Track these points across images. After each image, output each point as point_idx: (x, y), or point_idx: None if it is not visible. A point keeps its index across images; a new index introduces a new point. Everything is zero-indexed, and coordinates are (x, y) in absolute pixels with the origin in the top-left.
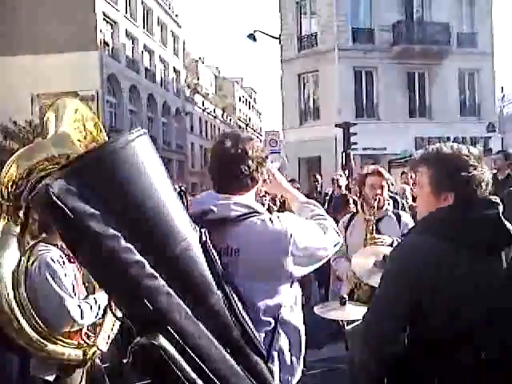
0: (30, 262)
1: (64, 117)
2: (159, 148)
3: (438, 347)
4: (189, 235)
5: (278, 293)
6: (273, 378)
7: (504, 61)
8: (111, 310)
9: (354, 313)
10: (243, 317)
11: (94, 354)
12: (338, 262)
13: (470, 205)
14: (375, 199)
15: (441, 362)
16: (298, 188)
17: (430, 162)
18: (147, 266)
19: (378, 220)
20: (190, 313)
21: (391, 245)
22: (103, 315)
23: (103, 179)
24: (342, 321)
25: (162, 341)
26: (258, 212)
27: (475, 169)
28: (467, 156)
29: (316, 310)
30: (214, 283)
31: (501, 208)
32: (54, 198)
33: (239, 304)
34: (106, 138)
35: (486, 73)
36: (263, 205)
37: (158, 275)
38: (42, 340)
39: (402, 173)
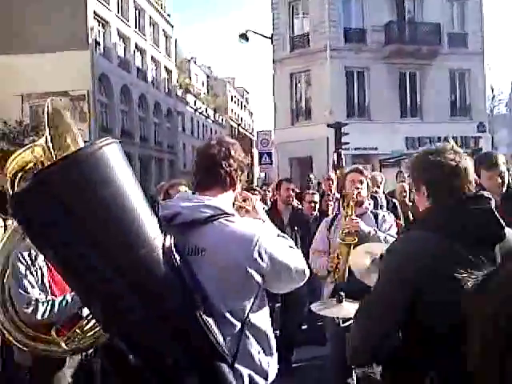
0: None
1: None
2: (151, 148)
3: (433, 339)
4: (154, 239)
5: (242, 296)
6: (243, 381)
7: (495, 61)
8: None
9: (351, 310)
10: (205, 321)
11: (76, 350)
12: (315, 261)
13: (463, 200)
14: (354, 192)
15: (437, 353)
16: (293, 189)
17: (412, 161)
18: (102, 272)
19: (358, 216)
20: (147, 314)
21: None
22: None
23: (67, 189)
24: (337, 318)
25: (117, 341)
26: (227, 213)
27: (447, 159)
28: (442, 149)
29: (313, 307)
30: (175, 286)
31: (493, 203)
32: (16, 207)
33: (202, 307)
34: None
35: (477, 73)
36: None
37: (113, 279)
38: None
39: (398, 172)
